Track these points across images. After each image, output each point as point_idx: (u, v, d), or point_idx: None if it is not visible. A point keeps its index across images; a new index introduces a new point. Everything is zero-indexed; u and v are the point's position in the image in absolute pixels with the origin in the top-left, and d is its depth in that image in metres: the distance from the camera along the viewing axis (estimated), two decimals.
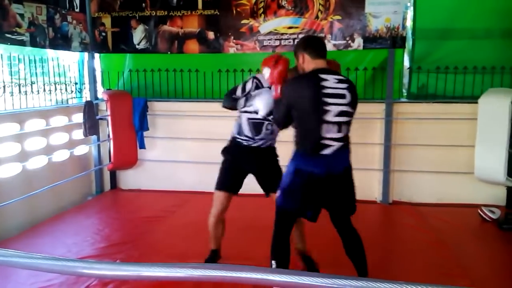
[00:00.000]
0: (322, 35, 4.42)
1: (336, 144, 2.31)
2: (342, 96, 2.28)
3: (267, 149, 2.86)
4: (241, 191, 2.95)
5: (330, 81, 2.26)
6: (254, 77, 2.76)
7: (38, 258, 1.02)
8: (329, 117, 2.25)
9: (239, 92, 2.78)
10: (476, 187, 4.36)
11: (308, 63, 2.36)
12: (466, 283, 2.81)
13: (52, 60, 4.50)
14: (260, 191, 2.94)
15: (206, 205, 4.67)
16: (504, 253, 3.40)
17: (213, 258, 3.01)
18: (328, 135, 2.28)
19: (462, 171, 4.35)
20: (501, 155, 3.91)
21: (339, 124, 2.29)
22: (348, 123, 2.37)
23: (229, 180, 2.88)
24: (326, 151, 2.29)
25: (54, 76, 4.55)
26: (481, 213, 4.05)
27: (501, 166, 3.92)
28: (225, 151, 2.91)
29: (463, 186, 4.45)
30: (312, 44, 2.40)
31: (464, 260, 3.19)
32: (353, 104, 2.35)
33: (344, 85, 2.31)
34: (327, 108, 2.23)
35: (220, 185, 2.87)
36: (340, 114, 2.28)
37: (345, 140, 2.38)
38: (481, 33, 4.38)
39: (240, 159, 2.86)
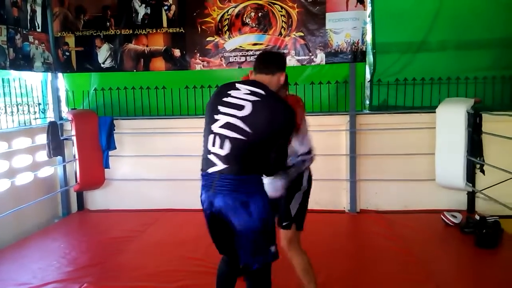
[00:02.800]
0: (286, 51, 4.54)
1: (220, 166, 1.92)
2: (239, 107, 1.93)
3: None
4: None
5: (241, 91, 1.99)
6: None
7: None
8: (215, 127, 1.97)
9: None
10: (439, 193, 4.54)
11: (252, 77, 2.15)
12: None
13: (14, 81, 4.41)
14: None
15: (175, 223, 4.68)
16: (466, 256, 3.54)
17: None
18: (213, 149, 1.95)
19: (425, 178, 4.51)
20: (459, 162, 4.10)
21: (222, 137, 1.93)
22: (236, 142, 1.90)
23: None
24: (212, 170, 1.95)
25: (17, 97, 4.45)
26: (444, 218, 4.20)
27: (460, 172, 4.11)
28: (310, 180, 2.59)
29: (426, 192, 4.62)
30: (256, 59, 2.20)
31: (429, 265, 3.30)
32: (250, 121, 1.90)
33: (253, 98, 1.94)
34: (217, 116, 1.97)
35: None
36: (226, 126, 1.93)
37: (233, 164, 1.91)
38: (436, 45, 4.60)
39: None
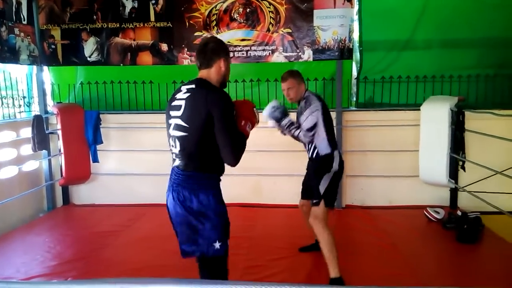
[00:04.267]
0: (273, 47, 4.55)
1: (176, 162, 2.07)
2: (178, 108, 2.03)
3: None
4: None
5: (181, 92, 2.06)
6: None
7: None
8: (170, 130, 2.08)
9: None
10: (423, 189, 4.61)
11: None
12: (414, 282, 2.97)
13: None
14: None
15: (162, 217, 4.63)
16: (447, 251, 3.62)
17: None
18: (172, 150, 2.09)
19: (409, 175, 4.58)
20: (442, 159, 4.17)
21: (173, 138, 2.06)
22: (182, 140, 2.01)
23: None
24: (173, 165, 2.11)
25: (1, 90, 4.39)
26: (426, 214, 4.28)
27: (443, 168, 4.18)
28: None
29: (411, 189, 4.69)
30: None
31: (411, 259, 3.36)
32: (185, 116, 1.99)
33: (186, 95, 2.02)
34: (170, 121, 2.07)
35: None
36: (174, 127, 2.04)
37: (184, 160, 2.03)
38: (422, 44, 4.68)
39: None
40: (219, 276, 2.09)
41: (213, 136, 1.97)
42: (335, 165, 3.01)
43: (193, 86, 2.04)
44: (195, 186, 2.00)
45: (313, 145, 3.06)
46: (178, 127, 2.02)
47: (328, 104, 4.72)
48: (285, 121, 3.03)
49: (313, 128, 2.97)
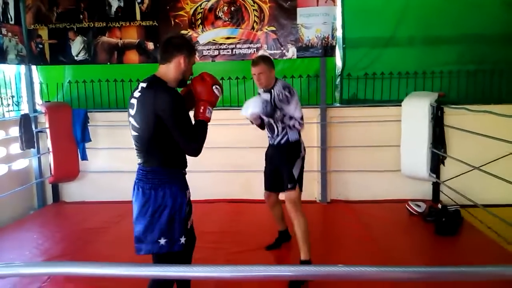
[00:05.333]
0: (258, 45, 4.62)
1: (138, 160, 2.11)
2: (132, 107, 2.04)
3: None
4: None
5: (137, 90, 2.05)
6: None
7: None
8: (131, 131, 2.10)
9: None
10: (406, 183, 4.71)
11: None
12: None
13: None
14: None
15: None
16: (427, 244, 3.73)
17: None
18: (135, 150, 2.12)
19: (392, 169, 4.67)
20: (423, 153, 4.27)
21: (132, 137, 2.09)
22: (136, 138, 2.05)
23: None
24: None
25: None
26: (408, 207, 4.37)
27: (423, 163, 4.28)
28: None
29: (394, 183, 4.78)
30: None
31: (393, 252, 3.45)
32: (137, 116, 2.00)
33: (138, 94, 2.02)
34: (129, 119, 2.08)
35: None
36: (131, 127, 2.08)
37: (142, 157, 2.07)
38: (404, 41, 4.75)
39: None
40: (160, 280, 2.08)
41: (167, 133, 1.97)
42: (302, 151, 3.16)
43: (145, 85, 2.02)
44: (154, 181, 2.02)
45: (285, 130, 3.10)
46: (133, 127, 2.05)
47: (313, 101, 4.90)
48: (278, 114, 3.01)
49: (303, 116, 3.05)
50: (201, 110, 2.09)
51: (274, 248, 3.54)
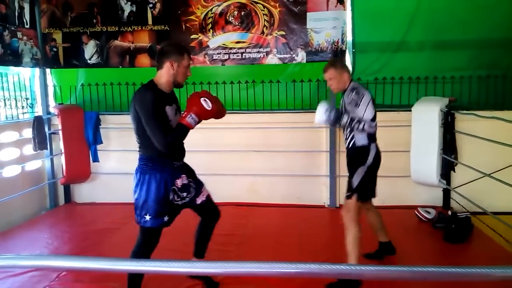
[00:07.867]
0: (268, 49, 4.65)
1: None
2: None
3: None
4: None
5: None
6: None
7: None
8: None
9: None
10: (416, 189, 4.66)
11: None
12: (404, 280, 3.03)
13: (3, 76, 4.52)
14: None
15: None
16: (433, 250, 3.68)
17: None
18: None
19: (402, 175, 4.63)
20: (433, 159, 4.22)
21: None
22: (137, 134, 2.45)
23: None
24: None
25: (9, 91, 4.56)
26: (417, 213, 4.33)
27: (433, 169, 4.23)
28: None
29: (404, 189, 4.74)
30: None
31: (401, 259, 3.41)
32: (130, 114, 2.41)
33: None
34: None
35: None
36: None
37: (140, 148, 2.49)
38: (414, 45, 4.73)
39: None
40: (143, 245, 2.50)
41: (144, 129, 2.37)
42: (370, 159, 2.94)
43: (139, 87, 2.46)
44: (141, 164, 2.47)
45: (352, 134, 2.97)
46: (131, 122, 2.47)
47: None
48: (345, 120, 2.92)
49: (375, 117, 2.93)
50: (183, 115, 2.40)
51: (375, 259, 3.40)
